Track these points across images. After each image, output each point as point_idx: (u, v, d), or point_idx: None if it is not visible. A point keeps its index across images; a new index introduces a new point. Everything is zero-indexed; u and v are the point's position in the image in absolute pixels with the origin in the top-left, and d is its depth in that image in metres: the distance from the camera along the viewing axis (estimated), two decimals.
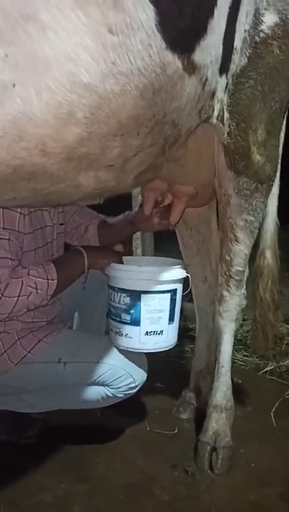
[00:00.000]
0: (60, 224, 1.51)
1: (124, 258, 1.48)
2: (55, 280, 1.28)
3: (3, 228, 1.23)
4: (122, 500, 1.30)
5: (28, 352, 1.32)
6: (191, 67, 0.85)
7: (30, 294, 1.23)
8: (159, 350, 1.37)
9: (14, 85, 0.66)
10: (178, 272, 1.37)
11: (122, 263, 1.43)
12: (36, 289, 1.24)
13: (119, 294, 1.35)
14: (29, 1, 0.64)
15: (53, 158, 0.77)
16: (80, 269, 1.37)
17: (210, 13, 0.85)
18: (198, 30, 0.84)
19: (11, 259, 1.24)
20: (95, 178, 0.86)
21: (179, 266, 1.41)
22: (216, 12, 0.86)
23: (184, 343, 2.28)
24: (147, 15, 0.72)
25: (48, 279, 1.27)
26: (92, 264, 1.38)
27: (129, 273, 1.34)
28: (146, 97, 0.80)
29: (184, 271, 1.40)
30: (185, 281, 1.42)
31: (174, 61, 0.81)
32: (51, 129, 0.72)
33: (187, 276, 1.40)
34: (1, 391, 1.39)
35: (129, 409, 1.62)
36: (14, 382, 1.34)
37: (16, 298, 1.21)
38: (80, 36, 0.68)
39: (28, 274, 1.24)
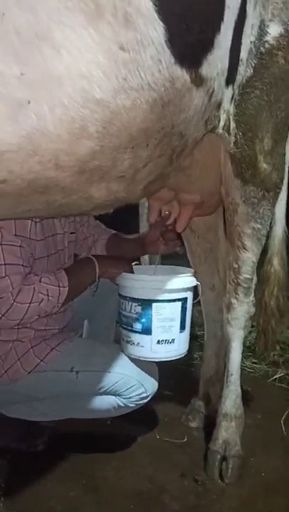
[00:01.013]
0: (71, 233, 1.53)
1: (134, 267, 1.49)
2: (67, 288, 1.29)
3: (15, 235, 1.25)
4: (132, 509, 1.30)
5: (41, 360, 1.33)
6: (198, 80, 0.87)
7: (41, 301, 1.24)
8: (171, 359, 1.37)
9: (29, 102, 0.68)
10: (188, 281, 1.38)
11: (133, 272, 1.44)
12: (48, 296, 1.25)
13: (130, 303, 1.36)
14: (43, 21, 0.66)
15: (66, 172, 0.79)
16: (91, 277, 1.38)
17: (217, 29, 0.87)
18: (206, 45, 0.86)
19: (22, 265, 1.26)
20: (106, 190, 0.88)
21: (190, 274, 1.42)
22: (222, 27, 0.88)
23: (192, 351, 2.27)
24: (157, 32, 0.74)
25: (59, 287, 1.28)
26: (103, 273, 1.40)
27: (140, 282, 1.35)
28: (156, 110, 0.82)
29: (194, 279, 1.40)
30: (194, 290, 1.43)
31: (182, 75, 0.83)
32: (64, 144, 0.74)
33: (197, 284, 1.41)
34: (13, 399, 1.40)
35: (138, 417, 1.61)
36: (26, 391, 1.35)
37: (28, 304, 1.22)
38: (92, 53, 0.70)
39: (40, 281, 1.26)
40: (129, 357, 1.39)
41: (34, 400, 1.42)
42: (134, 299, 1.34)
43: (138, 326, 1.34)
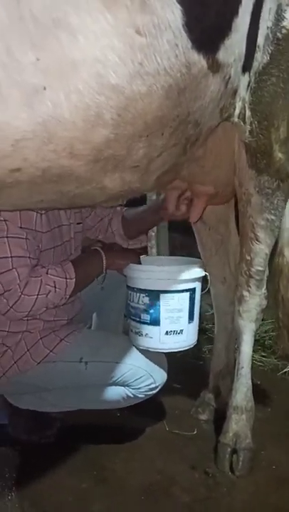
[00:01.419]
0: (78, 223, 1.52)
1: (142, 258, 1.48)
2: (74, 279, 1.29)
3: (21, 228, 1.25)
4: (143, 500, 1.30)
5: (51, 351, 1.33)
6: (215, 66, 0.85)
7: (48, 293, 1.24)
8: (180, 350, 1.37)
9: (45, 89, 0.66)
10: (196, 271, 1.37)
11: (140, 263, 1.43)
12: (55, 287, 1.25)
13: (138, 294, 1.35)
14: (59, 6, 0.64)
15: (80, 160, 0.77)
16: (98, 269, 1.38)
17: (235, 12, 0.84)
18: (223, 29, 0.83)
19: (29, 257, 1.26)
20: (120, 180, 0.87)
21: (198, 265, 1.40)
22: (240, 10, 0.85)
23: (200, 344, 2.26)
24: (175, 15, 0.72)
25: (66, 278, 1.28)
26: (110, 265, 1.39)
27: (148, 273, 1.34)
28: (172, 96, 0.80)
29: (203, 269, 1.39)
30: (202, 281, 1.42)
31: (199, 60, 0.80)
32: (79, 131, 0.73)
33: (206, 275, 1.40)
34: (23, 390, 1.41)
35: (147, 409, 1.61)
36: (36, 381, 1.36)
37: (35, 296, 1.23)
38: (108, 38, 0.69)
39: (47, 273, 1.26)
40: (138, 348, 1.39)
41: (43, 391, 1.42)
42: (142, 290, 1.34)
43: (146, 317, 1.34)
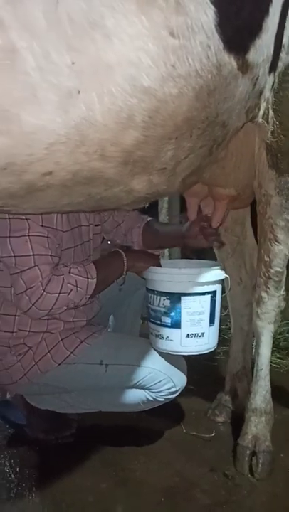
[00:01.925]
0: (96, 225, 1.52)
1: (162, 261, 1.47)
2: (95, 279, 1.29)
3: (42, 226, 1.25)
4: (163, 502, 1.29)
5: (71, 353, 1.34)
6: (244, 67, 0.84)
7: (70, 292, 1.24)
8: (201, 353, 1.36)
9: (79, 92, 0.66)
10: (217, 274, 1.36)
11: (160, 266, 1.43)
12: (76, 286, 1.26)
13: (158, 297, 1.35)
14: (96, 9, 0.64)
15: (110, 163, 0.77)
16: (119, 270, 1.38)
17: (266, 11, 0.83)
18: (254, 29, 0.83)
19: (50, 255, 1.26)
20: (147, 182, 0.87)
21: (218, 267, 1.40)
22: (271, 10, 0.85)
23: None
24: (208, 16, 0.72)
25: (88, 278, 1.28)
26: (130, 267, 1.39)
27: (169, 276, 1.34)
28: (202, 98, 0.79)
29: (223, 272, 1.38)
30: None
31: (229, 61, 0.80)
32: (111, 134, 0.73)
33: (226, 277, 1.39)
34: (43, 390, 1.41)
35: (163, 411, 1.61)
36: (56, 382, 1.36)
37: (57, 295, 1.23)
38: (142, 40, 0.68)
39: (69, 272, 1.26)
40: (157, 351, 1.38)
41: (63, 392, 1.43)
42: (162, 293, 1.33)
43: (167, 320, 1.33)
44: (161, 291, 1.34)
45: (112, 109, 0.70)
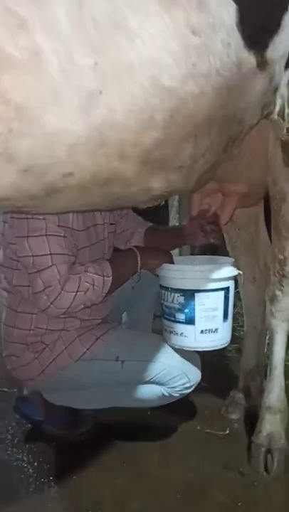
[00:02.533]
0: (111, 224, 1.53)
1: (174, 258, 1.48)
2: (111, 277, 1.30)
3: (59, 226, 1.27)
4: (179, 499, 1.31)
5: (87, 349, 1.35)
6: (263, 64, 0.84)
7: (87, 290, 1.26)
8: (215, 349, 1.38)
9: (101, 93, 0.66)
10: (230, 270, 1.37)
11: (173, 263, 1.43)
12: (93, 285, 1.27)
13: (172, 293, 1.35)
14: (119, 10, 0.64)
15: (129, 163, 0.77)
16: (133, 268, 1.38)
17: (285, 8, 0.82)
18: (274, 26, 0.82)
19: (68, 255, 1.28)
20: (165, 181, 0.86)
21: (231, 263, 1.40)
22: None
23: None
24: (229, 13, 0.71)
25: (104, 276, 1.29)
26: (144, 264, 1.39)
27: (182, 272, 1.35)
28: (221, 96, 0.79)
29: (236, 268, 1.38)
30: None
31: (249, 59, 0.79)
32: (131, 134, 0.73)
33: (239, 273, 1.39)
34: (60, 387, 1.43)
35: (176, 408, 1.61)
36: (73, 379, 1.38)
37: (75, 293, 1.24)
38: (164, 39, 0.68)
39: (86, 271, 1.28)
40: (172, 347, 1.39)
41: (80, 388, 1.44)
42: (176, 290, 1.34)
43: (181, 317, 1.34)
44: (175, 288, 1.35)
45: (133, 109, 0.70)
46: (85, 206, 0.91)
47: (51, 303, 1.24)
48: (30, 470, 1.42)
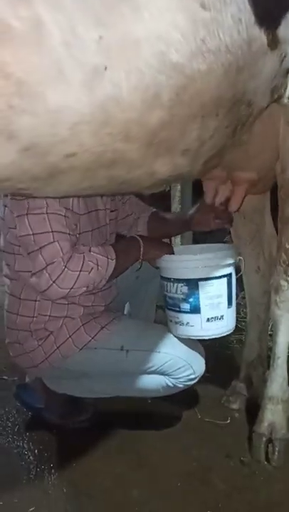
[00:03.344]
0: (112, 211, 1.51)
1: (174, 249, 1.46)
2: (114, 260, 1.28)
3: (59, 206, 1.24)
4: (180, 487, 1.31)
5: (92, 338, 1.34)
6: (274, 43, 0.80)
7: (91, 270, 1.23)
8: (221, 335, 1.38)
9: (106, 68, 0.63)
10: (231, 256, 1.37)
11: (174, 254, 1.41)
12: (97, 265, 1.24)
13: (175, 284, 1.35)
14: None
15: (134, 144, 0.75)
16: (136, 255, 1.36)
17: None
18: (286, 3, 0.78)
19: (69, 234, 1.25)
20: (170, 165, 0.84)
21: (231, 250, 1.40)
22: None
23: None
24: None
25: (108, 258, 1.27)
26: (146, 253, 1.37)
27: (184, 262, 1.34)
28: (230, 75, 0.76)
29: (236, 254, 1.39)
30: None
31: (260, 36, 0.76)
32: (136, 113, 0.70)
33: (239, 259, 1.39)
34: (63, 375, 1.42)
35: (178, 397, 1.61)
36: (77, 367, 1.37)
37: (78, 272, 1.21)
38: (172, 13, 0.65)
39: (90, 251, 1.25)
40: (177, 337, 1.38)
41: (83, 377, 1.44)
42: (179, 280, 1.33)
43: (186, 306, 1.34)
44: (178, 279, 1.34)
45: (138, 86, 0.67)
46: (89, 190, 0.89)
47: (53, 281, 1.19)
48: (31, 457, 1.43)
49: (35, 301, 1.35)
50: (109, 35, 0.62)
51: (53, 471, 1.36)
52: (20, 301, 1.37)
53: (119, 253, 1.31)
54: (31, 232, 1.21)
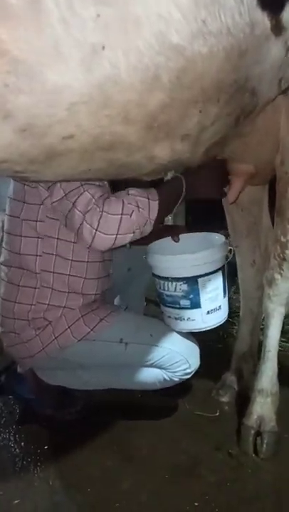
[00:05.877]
0: None
1: (160, 241, 1.45)
2: (157, 201, 1.20)
3: None
4: (168, 479, 1.31)
5: (91, 330, 1.33)
6: (278, 29, 0.79)
7: (132, 213, 1.16)
8: (220, 324, 1.43)
9: (104, 48, 0.61)
10: (224, 248, 1.39)
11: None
12: (138, 207, 1.17)
13: (174, 283, 1.36)
14: None
15: (133, 127, 0.73)
16: (179, 194, 1.27)
17: None
18: None
19: (99, 185, 1.20)
20: (170, 149, 0.82)
21: (223, 240, 1.43)
22: None
23: (219, 327, 2.24)
24: None
25: (149, 199, 1.19)
26: (189, 191, 1.27)
27: (182, 261, 1.34)
28: (232, 59, 0.74)
29: (227, 243, 1.42)
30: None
31: (262, 20, 0.74)
32: (135, 95, 0.68)
33: (231, 248, 1.44)
34: (60, 366, 1.40)
35: (168, 389, 1.61)
36: (74, 359, 1.35)
37: (120, 216, 1.14)
38: None
39: (128, 194, 1.19)
40: (175, 331, 1.40)
41: (80, 368, 1.42)
42: (178, 279, 1.35)
43: (186, 303, 1.36)
44: (176, 277, 1.35)
45: (138, 67, 0.65)
46: (88, 173, 0.87)
47: (96, 229, 1.13)
48: (17, 449, 1.41)
49: (35, 288, 1.32)
50: (108, 13, 0.60)
51: (40, 463, 1.35)
52: (18, 288, 1.33)
53: (162, 193, 1.22)
54: (64, 194, 1.18)
